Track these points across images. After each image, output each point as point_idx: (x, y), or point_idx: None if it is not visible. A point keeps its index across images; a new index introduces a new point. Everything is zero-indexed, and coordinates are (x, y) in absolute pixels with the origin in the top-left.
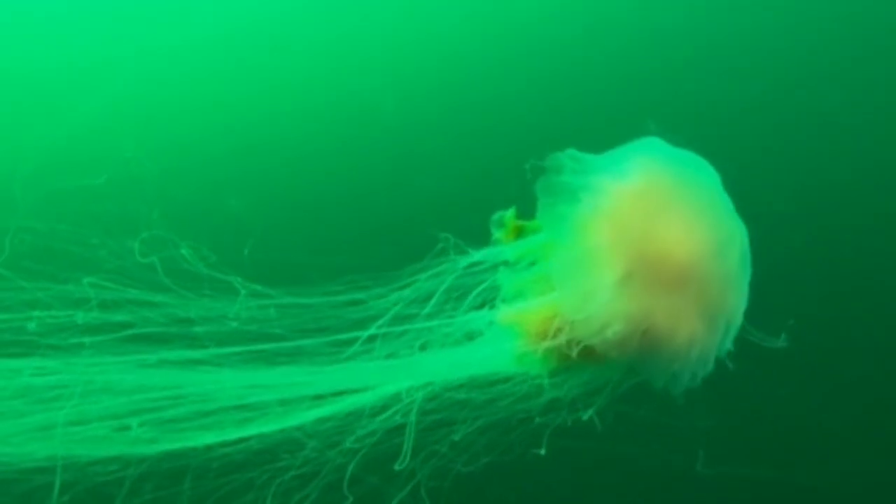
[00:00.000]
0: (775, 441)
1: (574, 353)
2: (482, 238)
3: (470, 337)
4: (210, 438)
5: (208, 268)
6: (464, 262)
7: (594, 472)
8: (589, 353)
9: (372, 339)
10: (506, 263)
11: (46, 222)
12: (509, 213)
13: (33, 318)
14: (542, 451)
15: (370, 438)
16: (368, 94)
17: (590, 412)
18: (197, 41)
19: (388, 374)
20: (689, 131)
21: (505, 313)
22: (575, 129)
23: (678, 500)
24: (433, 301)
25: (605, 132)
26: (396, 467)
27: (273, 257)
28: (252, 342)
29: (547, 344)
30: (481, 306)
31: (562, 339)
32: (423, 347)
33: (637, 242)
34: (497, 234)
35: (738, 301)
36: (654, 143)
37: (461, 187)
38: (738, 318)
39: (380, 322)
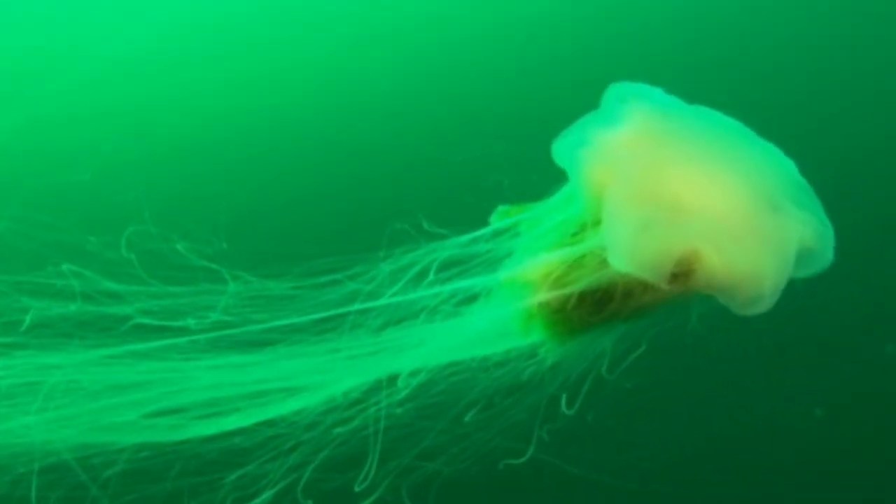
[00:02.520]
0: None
1: (585, 312)
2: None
3: (466, 311)
4: (189, 433)
5: (192, 258)
6: (460, 240)
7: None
8: (603, 309)
9: (361, 319)
10: (506, 237)
11: (33, 216)
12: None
13: (23, 313)
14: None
15: (347, 432)
16: (351, 90)
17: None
18: (181, 32)
19: (376, 360)
20: None
21: (508, 274)
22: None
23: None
24: (428, 280)
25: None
26: (367, 468)
27: (258, 248)
28: (234, 330)
29: (555, 299)
30: (479, 280)
31: (573, 291)
32: (419, 323)
33: (648, 181)
34: (494, 217)
35: (811, 227)
36: (640, 88)
37: (442, 184)
38: (817, 244)
39: (371, 303)
